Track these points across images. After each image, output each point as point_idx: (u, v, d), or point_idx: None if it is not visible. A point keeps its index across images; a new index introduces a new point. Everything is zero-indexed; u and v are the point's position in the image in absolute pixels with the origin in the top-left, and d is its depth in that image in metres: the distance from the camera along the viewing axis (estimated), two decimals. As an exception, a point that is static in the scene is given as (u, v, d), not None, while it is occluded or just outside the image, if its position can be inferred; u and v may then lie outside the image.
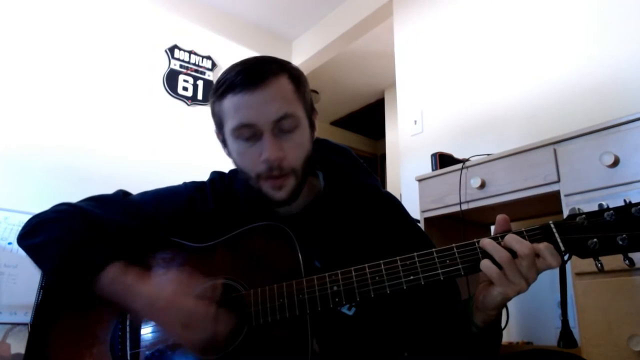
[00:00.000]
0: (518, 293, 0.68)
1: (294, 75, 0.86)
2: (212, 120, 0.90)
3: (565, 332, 0.70)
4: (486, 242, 0.69)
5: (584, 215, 0.67)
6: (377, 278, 0.73)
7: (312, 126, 0.90)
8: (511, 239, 0.68)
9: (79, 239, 0.84)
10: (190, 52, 3.13)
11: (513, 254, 0.67)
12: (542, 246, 0.66)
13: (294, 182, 0.85)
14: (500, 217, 0.73)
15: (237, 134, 0.84)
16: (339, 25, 3.37)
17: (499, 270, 0.68)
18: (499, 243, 0.69)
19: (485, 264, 0.69)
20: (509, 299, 0.70)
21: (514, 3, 2.22)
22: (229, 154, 0.92)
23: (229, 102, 0.83)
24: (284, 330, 0.77)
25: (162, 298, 0.77)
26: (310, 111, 0.90)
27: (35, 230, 0.89)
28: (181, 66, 3.07)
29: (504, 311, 0.76)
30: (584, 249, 0.66)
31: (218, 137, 0.93)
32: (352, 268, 0.75)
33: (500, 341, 0.82)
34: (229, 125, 0.84)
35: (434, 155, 1.93)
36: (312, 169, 0.94)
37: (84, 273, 0.81)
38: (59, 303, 0.88)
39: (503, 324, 0.79)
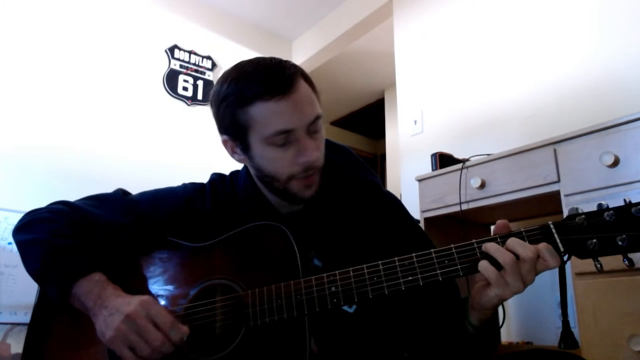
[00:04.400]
0: (514, 294, 0.68)
1: (307, 77, 0.86)
2: (228, 128, 0.86)
3: (566, 333, 0.70)
4: (489, 246, 0.69)
5: (583, 216, 0.67)
6: (375, 279, 0.73)
7: None
8: (514, 243, 0.68)
9: (64, 244, 0.83)
10: (190, 52, 3.13)
11: (515, 256, 0.67)
12: (542, 247, 0.66)
13: (319, 178, 0.87)
14: (500, 223, 0.73)
15: (272, 141, 0.82)
16: (339, 25, 3.37)
17: (497, 271, 0.68)
18: (499, 243, 0.69)
19: (483, 265, 0.69)
20: (505, 299, 0.70)
21: (514, 3, 2.22)
22: (246, 159, 0.90)
23: (261, 110, 0.80)
24: (282, 331, 0.77)
25: (118, 316, 0.75)
26: None
27: (27, 227, 0.89)
28: (181, 66, 3.07)
29: (499, 309, 0.77)
30: (583, 249, 0.66)
31: (227, 144, 0.90)
32: (351, 268, 0.75)
33: (498, 339, 0.83)
34: (262, 133, 0.81)
35: (434, 155, 1.93)
36: None
37: (61, 280, 0.80)
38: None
39: (500, 322, 0.79)
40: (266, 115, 0.80)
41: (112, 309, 0.76)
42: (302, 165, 0.83)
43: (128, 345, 0.73)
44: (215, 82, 0.90)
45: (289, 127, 0.80)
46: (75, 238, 0.85)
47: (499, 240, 0.70)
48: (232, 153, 0.91)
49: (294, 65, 0.86)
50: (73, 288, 0.80)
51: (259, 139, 0.82)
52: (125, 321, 0.73)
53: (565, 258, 0.68)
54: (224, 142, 0.90)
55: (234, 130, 0.85)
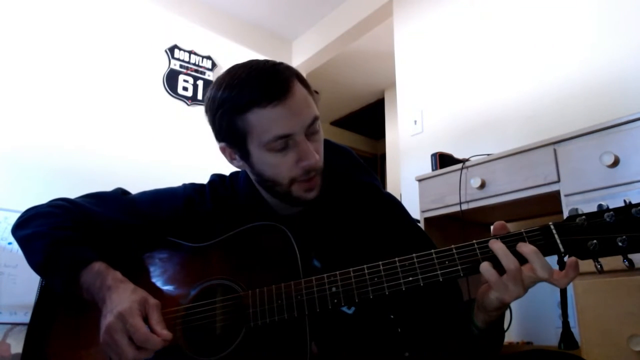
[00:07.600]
0: (515, 299, 0.68)
1: (302, 78, 0.85)
2: (226, 135, 0.86)
3: (566, 333, 0.69)
4: (496, 247, 0.68)
5: (583, 216, 0.66)
6: (375, 279, 0.73)
7: None
8: (529, 250, 0.66)
9: (66, 235, 0.84)
10: (190, 52, 3.13)
11: (521, 260, 0.67)
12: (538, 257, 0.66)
13: (320, 180, 0.87)
14: (497, 225, 0.72)
15: (271, 147, 0.81)
16: (339, 25, 3.37)
17: (498, 274, 0.67)
18: (511, 248, 0.68)
19: (484, 266, 0.68)
20: (506, 303, 0.69)
21: (514, 3, 2.22)
22: (245, 165, 0.89)
23: (258, 116, 0.79)
24: (283, 331, 0.77)
25: (119, 309, 0.74)
26: None
27: (27, 222, 0.89)
28: (181, 66, 3.07)
29: (507, 312, 0.76)
30: (583, 250, 0.66)
31: (226, 151, 0.89)
32: (351, 269, 0.75)
33: (502, 343, 0.82)
34: (261, 139, 0.81)
35: (434, 155, 1.93)
36: None
37: (65, 270, 0.80)
38: (57, 303, 0.88)
39: (506, 326, 0.79)
40: (264, 121, 0.79)
41: (106, 309, 0.76)
42: (303, 169, 0.82)
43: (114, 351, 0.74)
44: (209, 88, 0.88)
45: (288, 132, 0.80)
46: (76, 230, 0.86)
47: (508, 239, 0.69)
48: (231, 160, 0.90)
49: (288, 68, 0.84)
50: (78, 278, 0.80)
51: (258, 145, 0.82)
52: (106, 332, 0.73)
53: (565, 259, 0.67)
54: (222, 149, 0.89)
55: (231, 137, 0.85)
